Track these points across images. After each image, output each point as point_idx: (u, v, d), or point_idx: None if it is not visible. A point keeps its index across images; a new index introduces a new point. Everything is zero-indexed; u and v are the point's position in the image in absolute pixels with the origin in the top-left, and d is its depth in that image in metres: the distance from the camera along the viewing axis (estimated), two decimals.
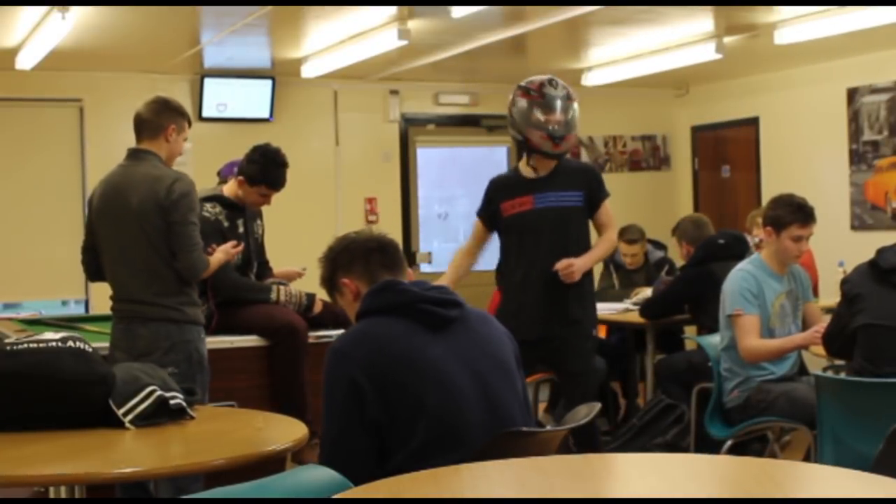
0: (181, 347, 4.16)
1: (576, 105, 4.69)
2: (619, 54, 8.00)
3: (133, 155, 4.27)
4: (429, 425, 2.61)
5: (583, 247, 4.72)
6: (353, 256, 2.89)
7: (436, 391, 2.65)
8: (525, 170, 4.78)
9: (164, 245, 4.16)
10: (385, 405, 2.62)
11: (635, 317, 6.34)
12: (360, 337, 2.72)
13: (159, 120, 4.27)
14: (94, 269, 4.39)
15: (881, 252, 4.14)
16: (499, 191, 4.81)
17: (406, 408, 2.63)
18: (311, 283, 5.41)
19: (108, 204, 4.24)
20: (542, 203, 4.68)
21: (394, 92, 9.00)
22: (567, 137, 4.64)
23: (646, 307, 6.27)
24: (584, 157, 9.71)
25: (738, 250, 5.86)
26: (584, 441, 4.47)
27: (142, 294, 4.17)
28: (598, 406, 2.98)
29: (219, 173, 5.57)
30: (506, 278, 4.86)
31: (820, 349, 4.53)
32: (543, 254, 4.67)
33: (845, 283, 4.23)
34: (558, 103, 4.62)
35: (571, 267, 4.60)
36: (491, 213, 4.83)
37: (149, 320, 4.16)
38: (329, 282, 2.95)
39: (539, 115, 4.61)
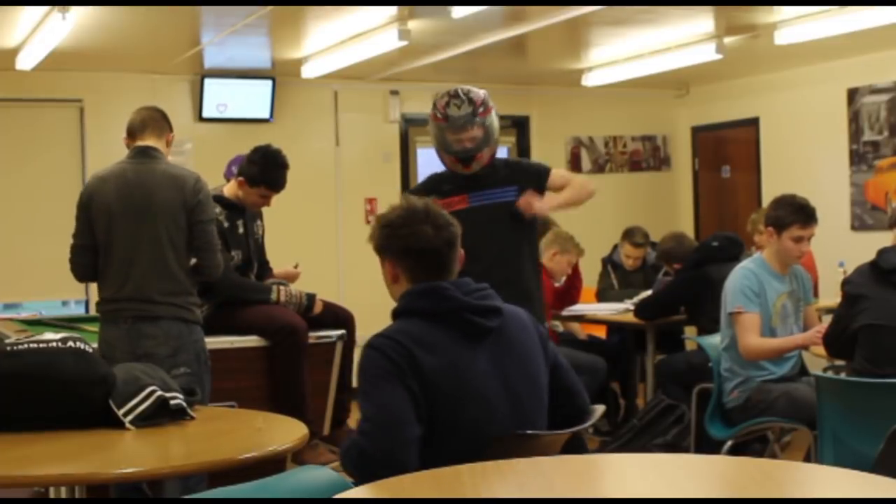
0: (191, 347, 4.15)
1: (490, 116, 4.45)
2: (620, 55, 8.00)
3: (143, 153, 4.22)
4: (460, 438, 2.58)
5: (519, 240, 4.55)
6: (406, 251, 2.78)
7: (472, 406, 2.61)
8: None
9: (181, 244, 4.16)
10: (424, 411, 2.57)
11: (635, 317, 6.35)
12: (402, 338, 2.62)
13: (163, 124, 4.31)
14: (91, 269, 4.26)
15: (882, 253, 4.14)
16: (435, 188, 4.56)
17: (440, 416, 2.58)
18: (310, 283, 5.45)
19: (127, 200, 4.15)
20: (478, 201, 4.53)
21: (394, 92, 9.00)
22: (478, 156, 4.44)
23: (641, 308, 6.28)
24: (585, 157, 9.72)
25: (734, 252, 5.88)
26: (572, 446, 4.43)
27: (153, 292, 4.12)
28: (601, 408, 2.98)
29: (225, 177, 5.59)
30: None
31: (820, 350, 4.53)
32: (484, 251, 4.58)
33: (847, 284, 4.23)
34: (461, 123, 4.40)
35: (530, 200, 4.43)
36: None
37: (159, 319, 4.11)
38: (377, 249, 2.85)
39: (446, 138, 4.45)
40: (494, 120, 4.49)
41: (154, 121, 4.28)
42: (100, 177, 4.26)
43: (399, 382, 2.56)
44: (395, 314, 2.74)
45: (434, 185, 4.66)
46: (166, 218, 4.13)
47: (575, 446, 4.28)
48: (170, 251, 4.14)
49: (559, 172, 4.67)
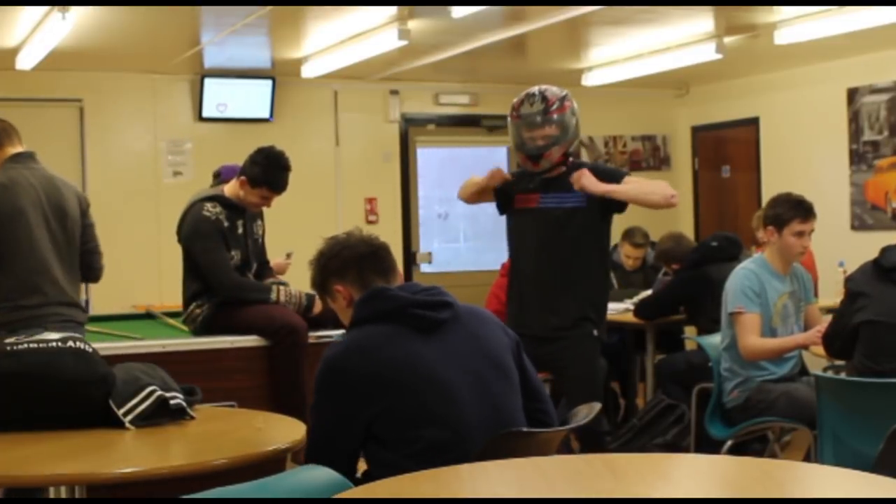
0: None
1: (565, 114, 4.46)
2: (619, 54, 8.00)
3: (31, 157, 4.26)
4: (429, 429, 2.61)
5: (583, 246, 4.60)
6: (345, 263, 2.90)
7: (434, 395, 2.65)
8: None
9: (78, 248, 4.25)
10: (381, 412, 2.63)
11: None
12: (354, 348, 2.72)
13: (16, 130, 4.33)
14: None
15: (885, 251, 4.15)
16: (520, 180, 4.71)
17: (405, 413, 2.63)
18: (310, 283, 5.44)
19: (40, 205, 4.16)
20: (545, 203, 4.61)
21: (394, 92, 9.00)
22: (546, 154, 4.47)
23: (640, 308, 6.28)
24: (584, 157, 9.72)
25: (733, 252, 5.88)
26: (589, 441, 4.46)
27: (74, 297, 4.21)
28: (598, 406, 2.98)
29: (217, 174, 5.58)
30: (512, 269, 4.82)
31: (820, 349, 4.53)
32: (541, 252, 4.62)
33: (849, 281, 4.25)
34: (534, 119, 4.45)
35: (581, 174, 4.44)
36: (504, 193, 4.73)
37: (79, 325, 4.16)
38: (321, 287, 2.97)
39: (521, 135, 4.51)
40: (570, 117, 4.50)
41: (13, 128, 4.31)
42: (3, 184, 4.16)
43: (343, 400, 2.65)
44: (350, 325, 2.82)
45: (525, 174, 4.71)
46: (74, 221, 4.22)
47: (593, 440, 4.35)
48: (76, 254, 4.24)
49: (634, 177, 4.65)
